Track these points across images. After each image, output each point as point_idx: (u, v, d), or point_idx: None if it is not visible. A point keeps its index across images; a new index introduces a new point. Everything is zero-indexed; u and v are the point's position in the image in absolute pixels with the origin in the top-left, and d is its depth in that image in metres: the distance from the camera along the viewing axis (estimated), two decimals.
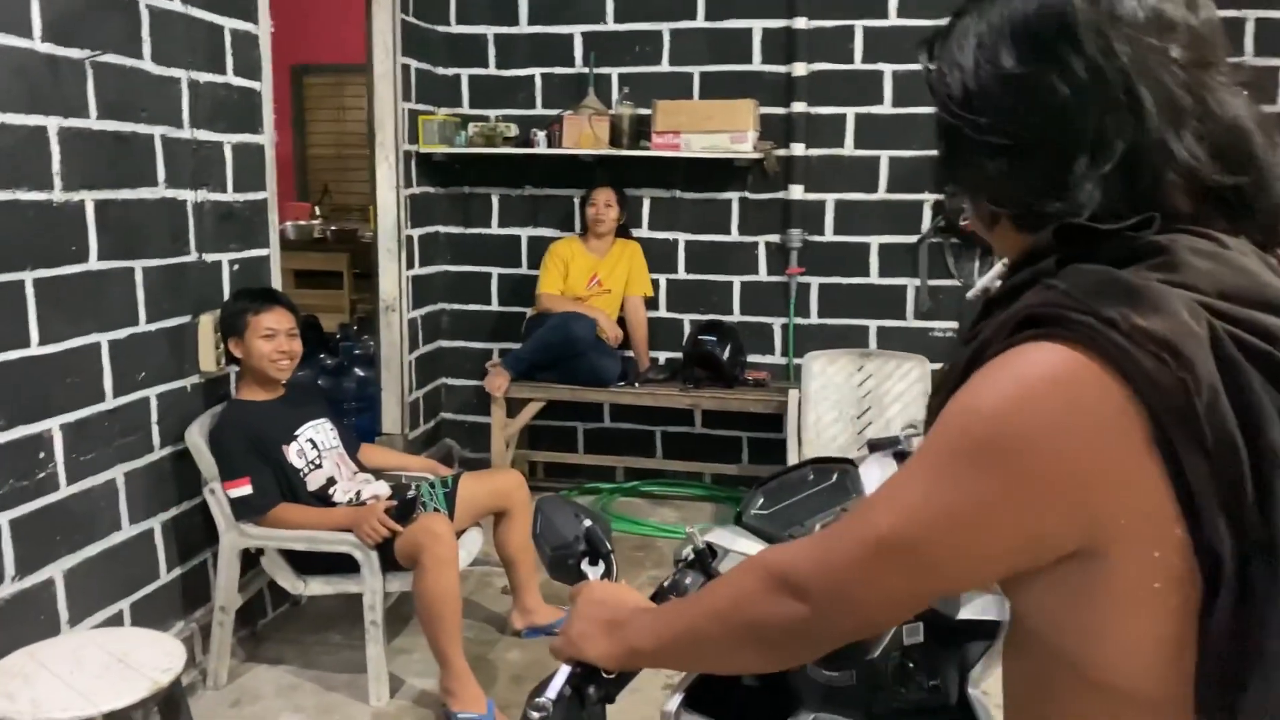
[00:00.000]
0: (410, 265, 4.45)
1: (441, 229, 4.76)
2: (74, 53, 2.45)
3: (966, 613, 1.30)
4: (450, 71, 4.67)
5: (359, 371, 4.77)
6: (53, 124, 2.40)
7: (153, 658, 2.17)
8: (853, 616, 0.83)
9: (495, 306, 4.81)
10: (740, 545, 1.26)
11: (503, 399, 4.31)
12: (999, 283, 0.84)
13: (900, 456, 1.32)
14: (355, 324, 5.57)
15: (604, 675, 1.08)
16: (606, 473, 4.80)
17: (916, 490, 0.76)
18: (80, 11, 2.46)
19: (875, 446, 1.34)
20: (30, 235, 2.35)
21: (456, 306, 4.85)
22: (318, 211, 6.99)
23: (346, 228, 6.79)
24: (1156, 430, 0.68)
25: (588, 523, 1.22)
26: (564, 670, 1.08)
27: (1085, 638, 0.73)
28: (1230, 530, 0.68)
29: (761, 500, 1.33)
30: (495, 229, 4.76)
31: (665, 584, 1.21)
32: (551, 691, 1.07)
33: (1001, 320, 0.76)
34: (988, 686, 1.34)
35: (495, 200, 4.74)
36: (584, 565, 1.21)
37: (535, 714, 1.06)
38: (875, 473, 1.30)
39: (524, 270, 4.71)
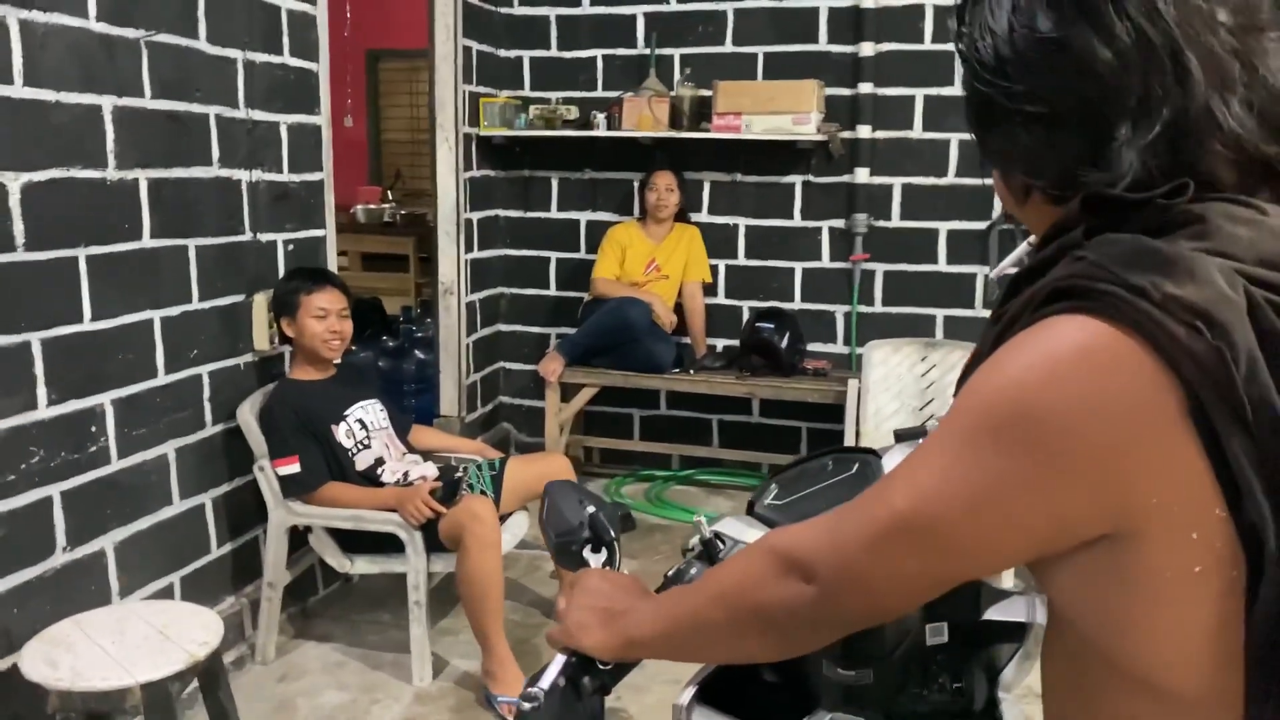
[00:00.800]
0: (469, 249, 4.46)
1: (501, 212, 4.76)
2: (129, 32, 2.48)
3: (993, 614, 1.23)
4: (512, 54, 4.66)
5: (419, 354, 4.80)
6: (107, 103, 2.43)
7: (192, 631, 2.20)
8: (863, 599, 0.79)
9: (553, 291, 4.79)
10: (749, 536, 1.21)
11: (557, 384, 4.29)
12: (1021, 264, 0.78)
13: None
14: (418, 307, 5.62)
15: (600, 666, 1.05)
16: (662, 460, 4.75)
17: (935, 467, 0.72)
18: None
19: (901, 436, 1.28)
20: (84, 213, 2.39)
21: (515, 290, 4.85)
22: (389, 195, 7.07)
23: (415, 211, 6.85)
24: (1193, 403, 0.64)
25: (591, 509, 1.19)
26: (559, 660, 1.05)
27: (1122, 628, 0.68)
28: (1274, 508, 0.63)
29: (776, 490, 1.27)
30: (554, 213, 4.74)
31: (670, 574, 1.16)
32: (545, 681, 1.04)
33: (1029, 295, 0.72)
34: (1023, 691, 1.28)
35: (555, 184, 4.72)
36: (586, 552, 1.17)
37: (526, 704, 1.03)
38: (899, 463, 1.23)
39: (582, 255, 4.68)
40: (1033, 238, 0.86)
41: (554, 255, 4.77)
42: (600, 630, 1.01)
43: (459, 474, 3.06)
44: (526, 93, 4.67)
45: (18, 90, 2.20)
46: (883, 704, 1.21)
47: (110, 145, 2.45)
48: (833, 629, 0.85)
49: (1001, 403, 0.69)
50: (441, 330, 4.43)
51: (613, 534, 1.19)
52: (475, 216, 4.50)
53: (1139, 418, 0.65)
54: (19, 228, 2.22)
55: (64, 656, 2.06)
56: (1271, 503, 0.63)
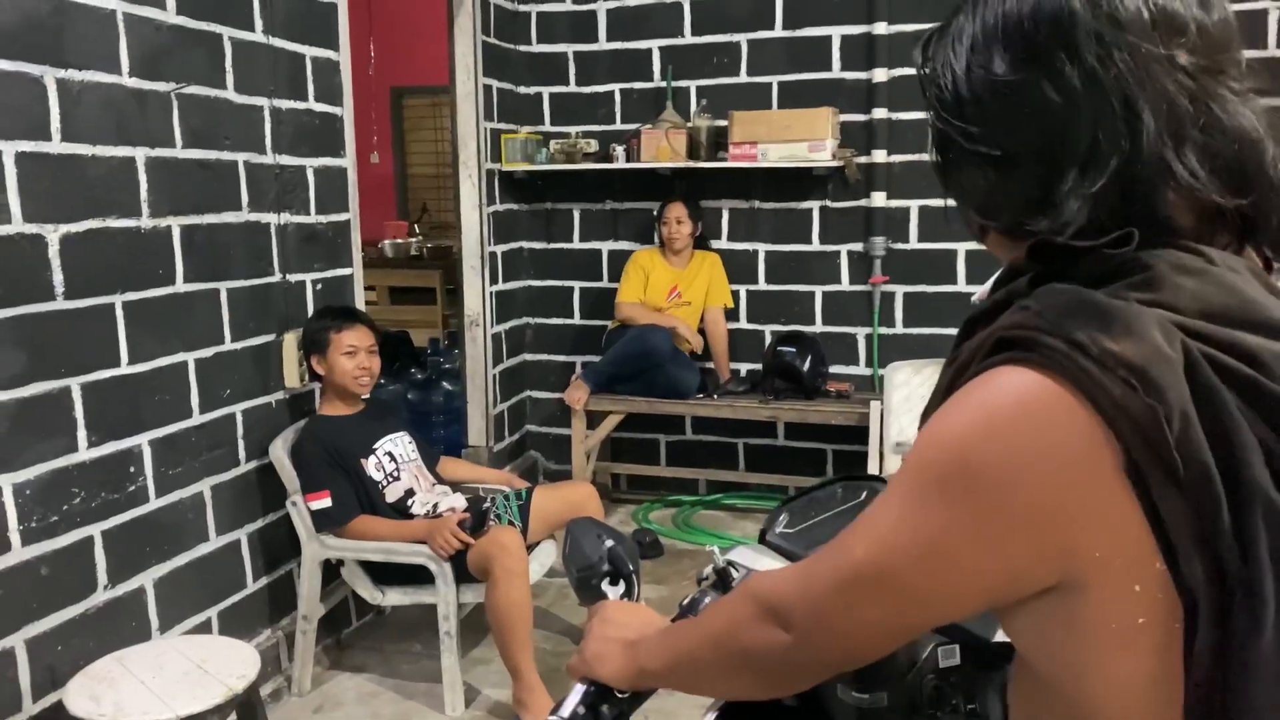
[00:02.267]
0: (494, 281, 4.53)
1: (524, 244, 4.84)
2: (160, 86, 2.58)
3: (1005, 635, 1.25)
4: (531, 90, 4.75)
5: (446, 385, 4.87)
6: (140, 154, 2.52)
7: (230, 665, 2.25)
8: (836, 647, 0.82)
9: (577, 320, 4.86)
10: (762, 564, 1.24)
11: (583, 411, 4.34)
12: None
13: None
14: (445, 338, 5.70)
15: (618, 694, 1.09)
16: (689, 485, 4.79)
17: (889, 519, 0.74)
18: (166, 46, 2.59)
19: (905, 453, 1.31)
20: (120, 260, 2.48)
21: (539, 320, 4.92)
22: (416, 229, 7.18)
23: (442, 244, 6.95)
24: (1129, 459, 0.65)
25: (610, 543, 1.23)
26: (579, 689, 1.10)
27: (1074, 672, 0.70)
28: (1207, 567, 0.64)
29: (786, 518, 1.30)
30: (577, 243, 4.81)
31: (684, 604, 1.20)
32: (565, 710, 1.08)
33: (978, 342, 0.73)
34: None
35: (576, 215, 4.80)
36: (605, 585, 1.21)
37: None
38: None
39: (605, 283, 4.74)
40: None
41: (577, 285, 4.84)
42: (616, 660, 1.05)
43: (486, 505, 3.11)
44: (547, 127, 4.75)
45: (55, 146, 2.29)
46: None
47: (144, 195, 2.54)
48: (815, 672, 0.88)
49: (945, 456, 0.70)
50: (468, 361, 4.50)
51: (631, 567, 1.23)
52: (499, 249, 4.58)
53: (1075, 471, 0.66)
54: (58, 278, 2.30)
55: (107, 692, 2.12)
56: (1203, 561, 0.64)
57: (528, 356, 4.93)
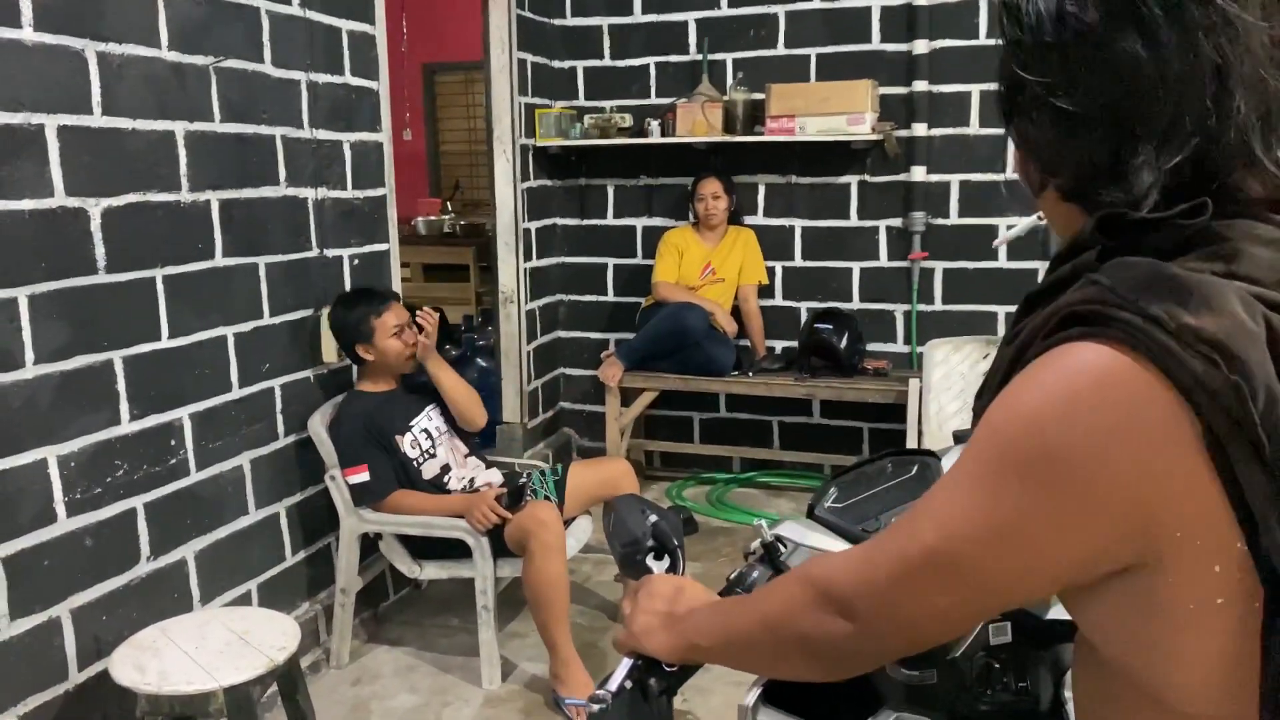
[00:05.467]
0: (528, 257, 4.52)
1: (558, 221, 4.82)
2: (199, 59, 2.58)
3: (1057, 612, 1.23)
4: (566, 64, 4.72)
5: (481, 362, 4.87)
6: (179, 128, 2.53)
7: (271, 636, 2.27)
8: (900, 635, 0.79)
9: (611, 297, 4.84)
10: (811, 540, 1.22)
11: (617, 389, 4.33)
12: (1022, 237, 0.78)
13: None
14: (479, 315, 5.70)
15: (666, 668, 1.08)
16: (723, 462, 4.77)
17: (959, 503, 0.72)
18: (204, 20, 2.58)
19: (960, 438, 1.28)
20: (160, 235, 2.49)
21: (573, 297, 4.90)
22: (448, 206, 7.18)
23: (475, 221, 6.95)
24: (1210, 435, 0.62)
25: (654, 518, 1.22)
26: (625, 663, 1.09)
27: (1146, 654, 0.68)
28: None
29: (835, 493, 1.28)
30: (611, 220, 4.79)
31: (732, 577, 1.19)
32: (612, 684, 1.08)
33: (1042, 318, 0.70)
34: None
35: (611, 191, 4.77)
36: (649, 560, 1.20)
37: (595, 706, 1.07)
38: None
39: (639, 260, 4.72)
40: (1041, 213, 0.85)
41: (611, 261, 4.82)
42: (663, 633, 1.03)
43: (523, 480, 3.11)
44: (581, 102, 4.72)
45: (97, 120, 2.30)
46: (947, 704, 1.22)
47: (183, 169, 2.55)
48: (874, 659, 0.86)
49: (1021, 439, 0.68)
50: (503, 338, 4.50)
51: (676, 541, 1.22)
52: (533, 225, 4.57)
53: (1157, 450, 0.64)
54: (100, 251, 2.32)
55: (151, 661, 2.15)
56: None
57: (561, 334, 4.92)
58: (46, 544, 2.21)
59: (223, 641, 2.24)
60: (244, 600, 2.81)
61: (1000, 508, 0.69)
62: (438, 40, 7.23)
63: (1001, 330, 4.26)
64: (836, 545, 1.22)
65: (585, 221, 4.82)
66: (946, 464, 1.26)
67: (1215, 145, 0.67)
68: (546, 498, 3.06)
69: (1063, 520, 0.67)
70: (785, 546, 1.21)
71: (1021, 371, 0.70)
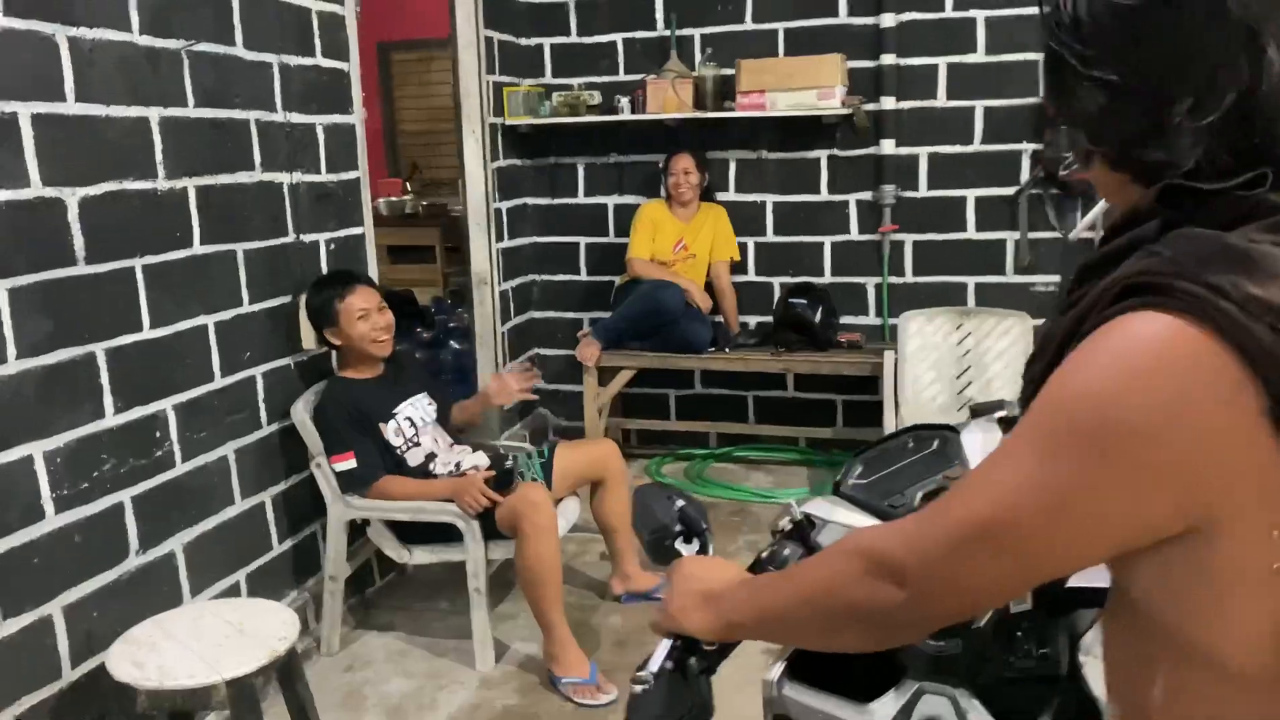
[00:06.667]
0: (500, 238, 4.49)
1: (529, 200, 4.79)
2: (171, 43, 2.52)
3: (1075, 580, 1.26)
4: (532, 42, 4.67)
5: (454, 344, 4.85)
6: (154, 114, 2.47)
7: (269, 626, 2.25)
8: (954, 601, 0.81)
9: (584, 276, 4.83)
10: (839, 516, 1.24)
11: (594, 368, 4.33)
12: (1100, 233, 0.79)
13: (1005, 423, 1.28)
14: (449, 297, 5.66)
15: (704, 647, 1.09)
16: (700, 439, 4.80)
17: (1017, 474, 0.73)
18: (175, 2, 2.52)
19: (978, 412, 1.31)
20: (138, 223, 2.43)
21: (546, 277, 4.88)
22: (409, 187, 7.10)
23: (437, 202, 6.88)
24: (1273, 405, 0.64)
25: (680, 503, 1.23)
26: (664, 644, 1.10)
27: (1194, 616, 0.70)
28: None
29: (860, 469, 1.30)
30: (582, 198, 4.77)
31: (763, 554, 1.20)
32: (654, 665, 1.09)
33: (1100, 289, 0.71)
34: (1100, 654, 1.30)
35: (581, 169, 4.75)
36: (679, 544, 1.21)
37: (637, 687, 1.08)
38: (978, 440, 1.26)
39: (611, 238, 4.71)
40: (1104, 201, 0.86)
41: (583, 240, 4.80)
42: (701, 612, 1.04)
43: (510, 463, 3.11)
44: (549, 80, 4.68)
45: (70, 106, 2.24)
46: (970, 672, 1.24)
47: (159, 156, 2.49)
48: (924, 627, 0.87)
49: (1082, 410, 0.68)
50: (477, 320, 4.47)
51: (704, 524, 1.23)
52: (504, 205, 4.53)
53: (1219, 420, 0.65)
54: (79, 242, 2.26)
55: (149, 656, 2.12)
56: None
57: (535, 314, 4.91)
58: (36, 541, 2.17)
59: (220, 634, 2.22)
60: (232, 591, 2.78)
61: (1058, 479, 0.70)
62: (393, 19, 7.11)
63: (972, 300, 4.32)
64: (863, 520, 1.24)
65: (556, 200, 4.80)
66: (966, 439, 1.28)
67: (1255, 100, 0.69)
68: (533, 479, 3.05)
69: (1122, 492, 0.68)
70: (814, 523, 1.23)
71: (1080, 344, 0.71)
